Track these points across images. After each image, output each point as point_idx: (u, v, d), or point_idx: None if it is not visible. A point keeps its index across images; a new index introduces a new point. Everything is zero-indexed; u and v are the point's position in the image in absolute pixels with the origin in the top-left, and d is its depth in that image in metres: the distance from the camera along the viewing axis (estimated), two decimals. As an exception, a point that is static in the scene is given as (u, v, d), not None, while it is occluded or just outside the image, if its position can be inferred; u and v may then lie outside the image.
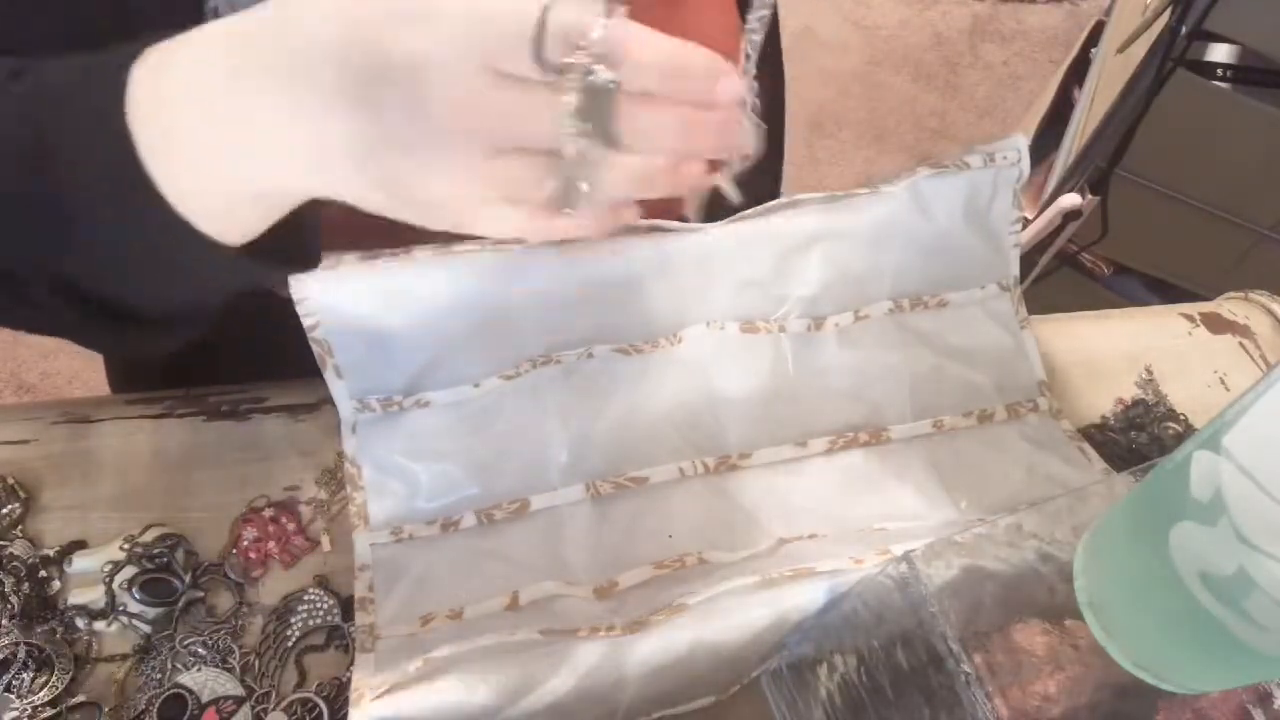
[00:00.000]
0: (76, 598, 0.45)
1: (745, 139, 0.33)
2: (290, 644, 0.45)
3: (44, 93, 0.33)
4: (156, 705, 0.43)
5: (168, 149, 0.31)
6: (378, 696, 0.39)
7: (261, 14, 0.30)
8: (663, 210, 0.51)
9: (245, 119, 0.30)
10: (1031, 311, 0.61)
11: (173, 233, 0.32)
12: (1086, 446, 0.57)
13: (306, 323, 0.47)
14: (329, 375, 0.49)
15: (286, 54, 0.29)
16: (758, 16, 0.56)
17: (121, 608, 0.45)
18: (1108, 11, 1.52)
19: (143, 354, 0.42)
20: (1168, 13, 1.10)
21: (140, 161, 0.31)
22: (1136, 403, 0.62)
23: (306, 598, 0.47)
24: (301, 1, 0.30)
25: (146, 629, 0.45)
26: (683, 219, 0.52)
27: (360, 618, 0.45)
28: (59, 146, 0.32)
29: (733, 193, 0.34)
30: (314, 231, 0.38)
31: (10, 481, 0.48)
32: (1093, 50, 1.49)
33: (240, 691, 0.44)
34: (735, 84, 0.31)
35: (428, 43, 0.28)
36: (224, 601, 0.47)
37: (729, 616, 0.43)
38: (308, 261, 0.39)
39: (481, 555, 0.48)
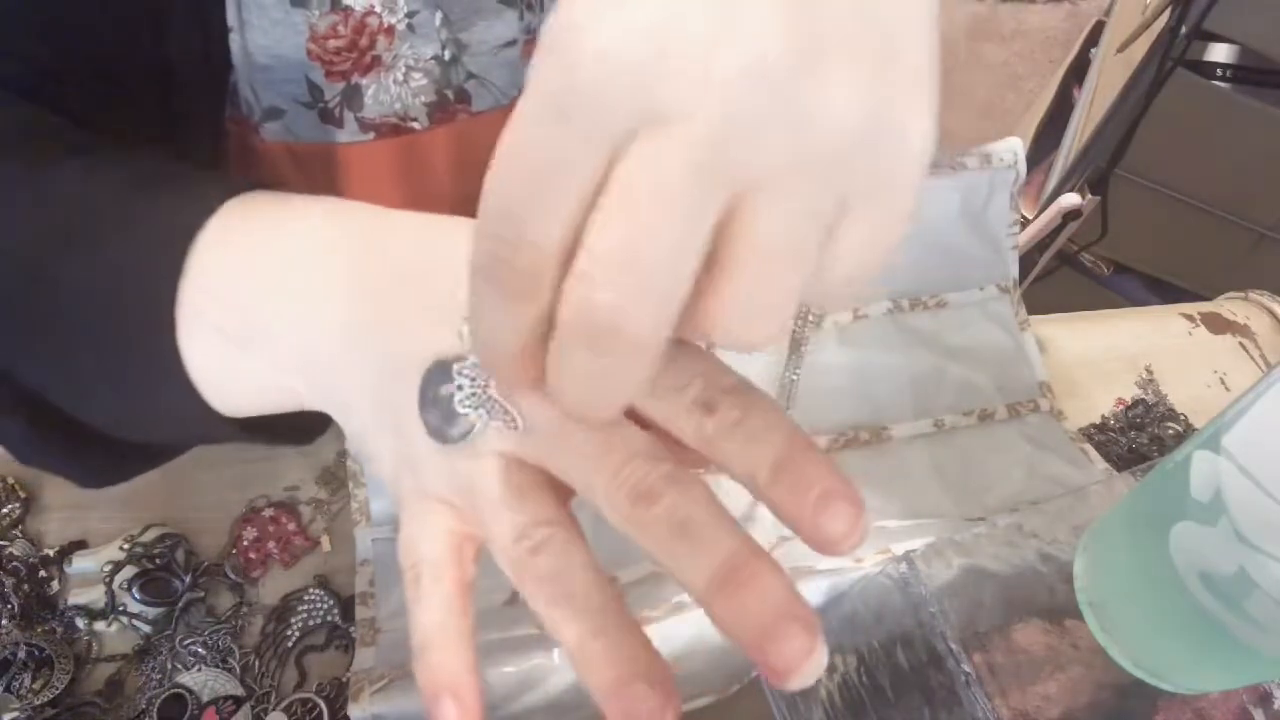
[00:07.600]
0: (76, 598, 0.45)
1: None
2: (290, 644, 0.45)
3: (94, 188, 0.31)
4: (156, 705, 0.43)
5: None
6: (377, 690, 0.39)
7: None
8: None
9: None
10: (1031, 311, 0.61)
11: (167, 378, 0.30)
12: (1087, 446, 0.57)
13: None
14: None
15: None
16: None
17: (121, 608, 0.45)
18: (1108, 11, 1.52)
19: (90, 480, 0.38)
20: (1167, 13, 1.10)
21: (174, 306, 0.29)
22: (1136, 403, 0.62)
23: (306, 597, 0.47)
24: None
25: (146, 629, 0.45)
26: None
27: (361, 612, 0.45)
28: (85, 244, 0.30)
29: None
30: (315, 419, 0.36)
31: (10, 481, 0.48)
32: (1093, 50, 1.49)
33: (240, 691, 0.44)
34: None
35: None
36: (224, 601, 0.47)
37: (729, 615, 0.43)
38: (296, 438, 0.36)
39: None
